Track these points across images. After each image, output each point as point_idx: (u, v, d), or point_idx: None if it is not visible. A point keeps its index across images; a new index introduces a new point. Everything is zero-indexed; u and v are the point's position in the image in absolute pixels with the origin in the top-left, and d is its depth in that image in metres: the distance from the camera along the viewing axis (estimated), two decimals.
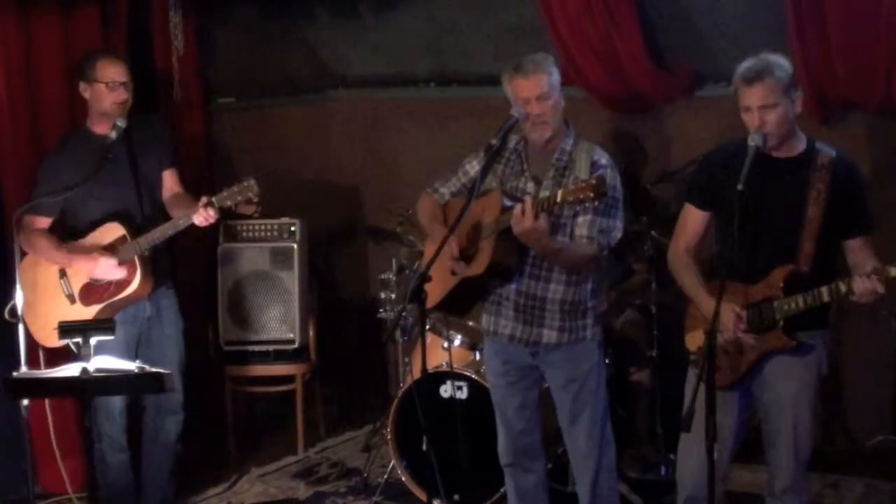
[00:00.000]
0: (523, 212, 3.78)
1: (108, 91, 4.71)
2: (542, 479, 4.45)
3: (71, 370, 3.92)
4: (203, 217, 4.59)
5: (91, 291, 4.74)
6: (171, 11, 5.66)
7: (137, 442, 5.04)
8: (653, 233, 5.26)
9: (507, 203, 4.07)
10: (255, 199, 4.57)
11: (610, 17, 5.34)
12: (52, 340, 4.53)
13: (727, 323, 3.77)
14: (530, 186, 4.13)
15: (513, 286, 4.16)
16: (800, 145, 3.82)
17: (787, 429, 3.86)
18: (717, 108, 5.51)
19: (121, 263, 4.67)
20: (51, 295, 4.76)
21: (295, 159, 6.54)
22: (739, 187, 3.63)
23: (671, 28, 5.48)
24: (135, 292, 4.71)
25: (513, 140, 4.22)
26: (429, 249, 4.42)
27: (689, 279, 3.96)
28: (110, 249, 4.69)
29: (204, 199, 4.57)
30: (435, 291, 4.20)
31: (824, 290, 3.66)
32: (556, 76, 4.09)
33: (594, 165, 4.05)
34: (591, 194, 3.71)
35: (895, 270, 3.54)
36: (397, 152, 6.49)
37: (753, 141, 3.74)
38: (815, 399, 3.88)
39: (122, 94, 4.73)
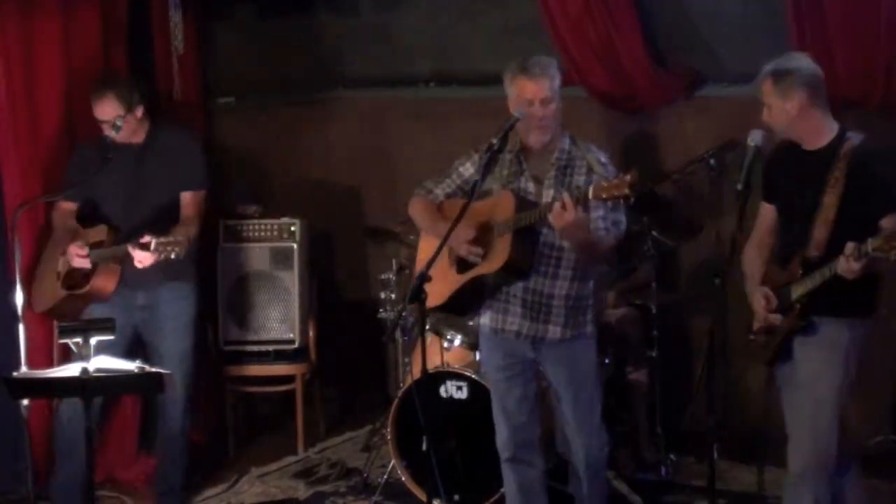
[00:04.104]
0: (564, 206, 3.80)
1: (101, 125, 4.87)
2: (542, 475, 4.47)
3: (71, 370, 3.92)
4: (137, 259, 4.65)
5: (69, 277, 4.89)
6: (171, 11, 5.66)
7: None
8: (653, 233, 5.26)
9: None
10: (180, 257, 4.62)
11: (610, 17, 5.34)
12: (38, 306, 4.91)
13: (757, 307, 4.01)
14: (531, 186, 4.15)
15: (520, 283, 4.18)
16: (828, 136, 3.90)
17: (805, 410, 3.93)
18: (717, 108, 5.52)
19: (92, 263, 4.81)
20: (50, 266, 4.97)
21: (295, 159, 6.54)
22: (739, 187, 3.66)
23: (671, 28, 5.48)
24: (88, 291, 4.82)
25: (509, 142, 4.22)
26: (424, 249, 4.42)
27: (747, 270, 4.15)
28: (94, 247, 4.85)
29: (145, 239, 4.59)
30: (440, 291, 4.23)
31: (817, 273, 3.78)
32: (558, 80, 4.11)
33: (599, 163, 4.10)
34: (627, 191, 3.73)
35: (873, 243, 3.58)
36: (397, 152, 6.49)
37: (753, 141, 3.79)
38: (839, 385, 3.91)
39: (110, 130, 4.84)
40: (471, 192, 4.02)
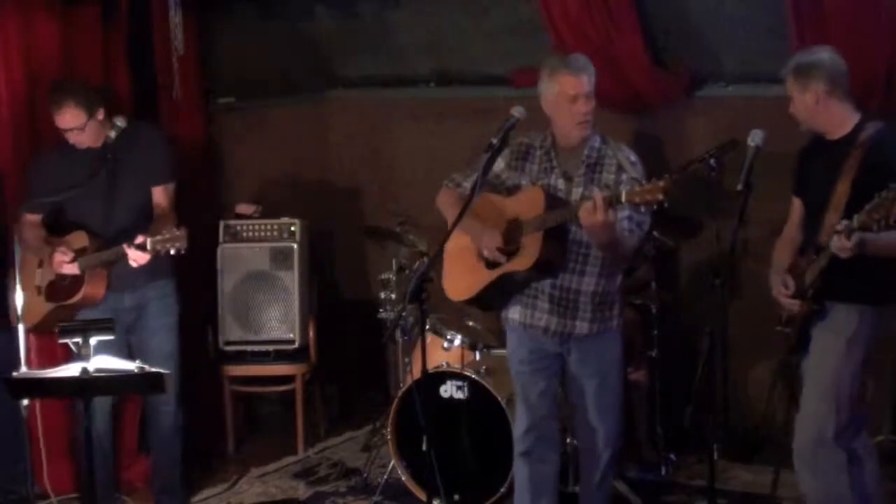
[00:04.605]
0: (595, 207, 3.81)
1: (65, 134, 4.78)
2: (556, 471, 4.51)
3: (71, 370, 3.92)
4: (132, 258, 4.62)
5: (53, 289, 4.83)
6: (171, 11, 5.65)
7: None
8: (654, 233, 5.26)
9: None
10: (182, 251, 4.59)
11: (610, 17, 5.34)
12: (25, 322, 4.70)
13: (776, 293, 4.06)
14: (561, 183, 4.17)
15: (548, 280, 4.19)
16: (849, 126, 3.96)
17: (808, 393, 3.97)
18: (717, 108, 5.52)
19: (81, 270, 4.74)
20: (28, 280, 4.86)
21: (295, 159, 6.54)
22: (739, 187, 3.67)
23: (671, 28, 5.48)
24: (80, 300, 4.76)
25: (538, 137, 4.25)
26: (452, 241, 4.43)
27: (774, 261, 4.20)
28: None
29: (140, 239, 4.58)
30: (469, 285, 4.28)
31: (822, 256, 3.83)
32: (594, 77, 4.15)
33: (629, 162, 4.14)
34: (661, 196, 3.72)
35: (858, 218, 3.61)
36: (397, 152, 6.49)
37: (753, 141, 3.80)
38: (839, 371, 3.92)
39: (76, 137, 4.78)
40: (472, 189, 4.02)
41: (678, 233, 5.41)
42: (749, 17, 5.24)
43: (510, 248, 4.18)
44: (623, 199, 3.79)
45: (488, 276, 4.24)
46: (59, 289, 4.81)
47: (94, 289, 4.76)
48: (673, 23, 5.46)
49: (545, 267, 4.13)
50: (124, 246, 4.60)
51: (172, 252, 4.56)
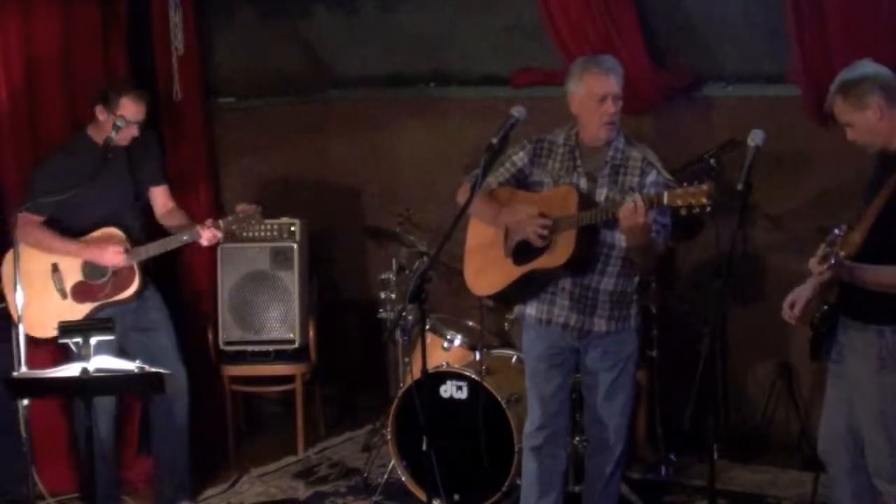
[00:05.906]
0: (636, 208, 3.82)
1: (126, 128, 4.78)
2: (564, 468, 4.51)
3: (71, 370, 3.92)
4: (209, 237, 4.75)
5: (85, 290, 4.81)
6: (171, 11, 5.66)
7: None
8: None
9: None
10: (258, 227, 4.75)
11: (610, 17, 5.34)
12: (43, 331, 4.65)
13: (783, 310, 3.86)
14: (584, 183, 4.17)
15: (569, 277, 4.20)
16: None
17: (865, 423, 3.82)
18: (717, 108, 5.52)
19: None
20: (41, 287, 4.80)
21: (295, 159, 6.54)
22: (739, 187, 3.65)
23: (671, 28, 5.48)
24: (131, 296, 4.80)
25: (561, 135, 4.24)
26: (475, 235, 4.44)
27: None
28: None
29: (209, 221, 4.69)
30: (494, 280, 4.29)
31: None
32: (622, 78, 4.13)
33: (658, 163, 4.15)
34: (705, 200, 3.73)
35: (822, 250, 3.55)
36: (397, 152, 6.49)
37: (753, 141, 3.77)
38: (883, 395, 3.73)
39: (133, 132, 4.80)
40: (473, 188, 4.01)
41: (678, 233, 5.40)
42: (749, 17, 5.24)
43: (549, 222, 4.15)
44: (665, 200, 3.80)
45: (516, 272, 4.25)
46: (93, 288, 4.80)
47: (141, 281, 4.81)
48: (673, 23, 5.46)
49: (577, 265, 4.13)
50: (198, 228, 4.70)
51: (249, 231, 4.62)
